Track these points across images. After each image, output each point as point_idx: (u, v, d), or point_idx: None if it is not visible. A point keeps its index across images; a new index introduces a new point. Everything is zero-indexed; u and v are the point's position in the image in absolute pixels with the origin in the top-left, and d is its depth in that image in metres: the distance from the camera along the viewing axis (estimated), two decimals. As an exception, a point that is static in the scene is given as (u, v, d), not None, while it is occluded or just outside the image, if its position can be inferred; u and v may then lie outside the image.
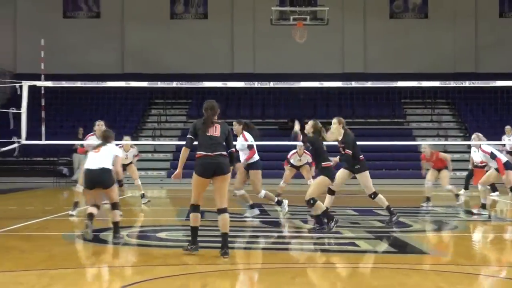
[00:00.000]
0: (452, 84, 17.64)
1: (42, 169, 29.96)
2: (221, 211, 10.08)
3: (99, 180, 11.69)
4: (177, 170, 10.29)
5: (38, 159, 30.68)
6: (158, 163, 30.83)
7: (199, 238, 10.25)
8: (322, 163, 12.81)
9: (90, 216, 11.61)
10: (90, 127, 17.24)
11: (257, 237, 12.73)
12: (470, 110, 34.42)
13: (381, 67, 35.21)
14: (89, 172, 11.78)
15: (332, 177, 12.93)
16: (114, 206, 11.78)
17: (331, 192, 13.78)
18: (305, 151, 18.31)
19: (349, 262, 10.04)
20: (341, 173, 13.89)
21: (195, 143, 10.21)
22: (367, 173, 13.77)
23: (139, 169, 20.07)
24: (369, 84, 18.39)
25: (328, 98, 34.66)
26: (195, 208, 10.19)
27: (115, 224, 11.71)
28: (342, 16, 36.00)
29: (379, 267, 9.69)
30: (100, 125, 14.53)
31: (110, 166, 11.83)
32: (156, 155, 31.54)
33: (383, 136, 27.98)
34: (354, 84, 17.98)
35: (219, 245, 10.03)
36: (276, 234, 13.25)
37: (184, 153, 10.21)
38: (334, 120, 13.92)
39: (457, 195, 18.00)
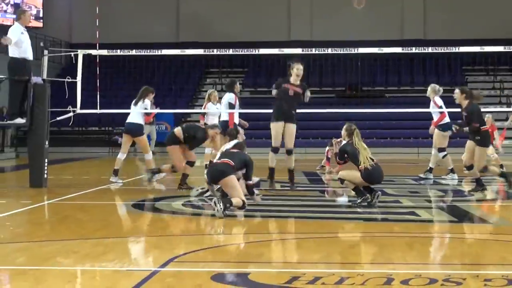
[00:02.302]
0: (516, 49, 17.05)
1: (97, 138, 30.08)
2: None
3: None
4: None
5: (93, 129, 30.81)
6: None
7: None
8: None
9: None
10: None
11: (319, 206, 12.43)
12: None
13: (441, 34, 34.27)
14: None
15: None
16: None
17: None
18: None
19: (408, 232, 9.72)
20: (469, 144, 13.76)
21: None
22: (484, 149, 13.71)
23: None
24: (429, 50, 17.81)
25: (388, 65, 34.15)
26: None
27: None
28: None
29: (439, 237, 9.42)
30: None
31: None
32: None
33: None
34: (414, 50, 17.45)
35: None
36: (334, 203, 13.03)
37: None
38: (457, 91, 14.22)
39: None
